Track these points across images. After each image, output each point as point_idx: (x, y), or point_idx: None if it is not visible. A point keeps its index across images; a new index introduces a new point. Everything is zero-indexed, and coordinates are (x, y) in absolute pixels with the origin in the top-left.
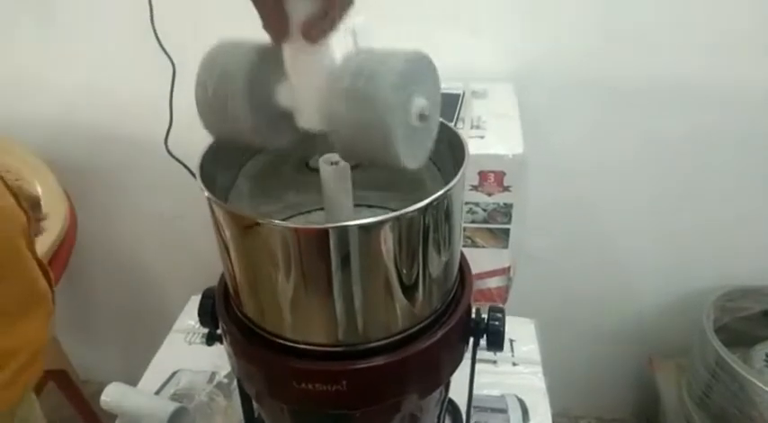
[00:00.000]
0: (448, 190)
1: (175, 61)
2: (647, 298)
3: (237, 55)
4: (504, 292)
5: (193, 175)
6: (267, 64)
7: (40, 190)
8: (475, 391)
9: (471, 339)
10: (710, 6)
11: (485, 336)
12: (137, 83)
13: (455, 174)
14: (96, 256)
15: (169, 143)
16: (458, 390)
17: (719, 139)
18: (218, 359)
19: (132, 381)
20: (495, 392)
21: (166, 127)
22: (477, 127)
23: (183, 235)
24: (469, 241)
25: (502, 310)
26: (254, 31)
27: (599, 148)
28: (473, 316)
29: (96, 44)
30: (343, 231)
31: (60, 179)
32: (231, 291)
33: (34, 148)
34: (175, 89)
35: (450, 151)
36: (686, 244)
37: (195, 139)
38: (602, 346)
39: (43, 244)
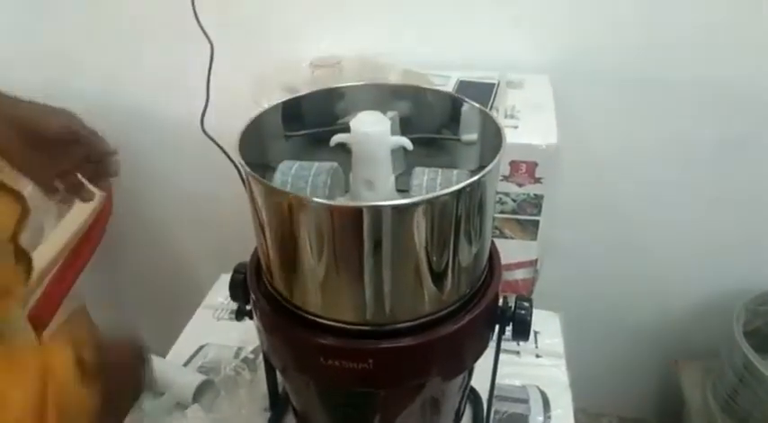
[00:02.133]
0: (483, 175)
1: (214, 41)
2: (676, 298)
3: None
4: (530, 285)
5: (227, 155)
6: None
7: None
8: (497, 381)
9: (497, 327)
10: (755, 9)
11: (510, 324)
12: (174, 62)
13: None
14: (130, 232)
15: (204, 123)
16: (480, 379)
17: (755, 141)
18: (244, 335)
19: (161, 354)
20: (517, 383)
21: (202, 107)
22: (512, 117)
23: (215, 215)
24: (498, 232)
25: (530, 300)
26: (285, 11)
27: (633, 146)
28: (500, 304)
29: (136, 23)
30: (377, 211)
31: None
32: (263, 266)
33: None
34: (212, 70)
35: (486, 139)
36: (718, 245)
37: (230, 119)
38: (627, 345)
39: (78, 217)
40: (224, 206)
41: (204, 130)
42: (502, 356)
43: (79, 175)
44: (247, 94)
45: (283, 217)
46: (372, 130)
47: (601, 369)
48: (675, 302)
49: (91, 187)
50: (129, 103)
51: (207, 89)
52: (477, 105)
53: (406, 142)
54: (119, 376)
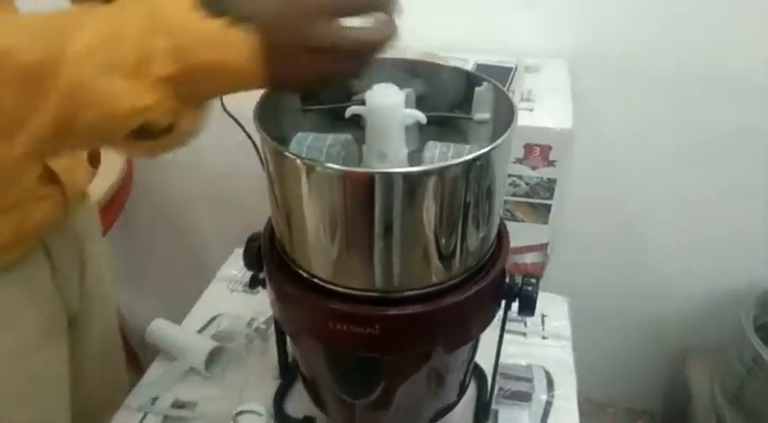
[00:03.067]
0: (493, 148)
1: None
2: (685, 291)
3: None
4: (540, 269)
5: (245, 130)
6: None
7: None
8: (502, 360)
9: (503, 303)
10: None
11: (517, 300)
12: None
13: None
14: (149, 205)
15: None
16: (485, 358)
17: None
18: (257, 306)
19: (176, 323)
20: (523, 363)
21: None
22: (528, 100)
23: (231, 192)
24: (510, 215)
25: (536, 278)
26: None
27: (647, 136)
28: (507, 280)
29: None
30: (388, 178)
31: None
32: (277, 234)
33: None
34: None
35: (500, 118)
36: (729, 238)
37: (250, 98)
38: (635, 335)
39: (100, 190)
40: (241, 183)
41: (224, 107)
42: (509, 337)
43: None
44: None
45: (296, 183)
46: (386, 101)
47: (608, 359)
48: (685, 294)
49: None
50: None
51: None
52: (491, 81)
53: (419, 115)
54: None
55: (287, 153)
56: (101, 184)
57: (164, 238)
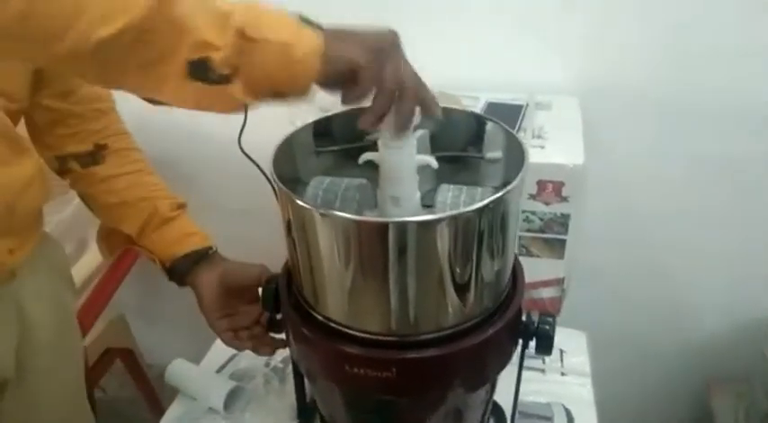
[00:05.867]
0: (505, 193)
1: None
2: (707, 320)
3: None
4: (557, 303)
5: (263, 171)
6: None
7: None
8: (521, 398)
9: (520, 341)
10: None
11: (534, 339)
12: None
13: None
14: None
15: (242, 142)
16: (504, 395)
17: None
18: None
19: (195, 362)
20: (542, 400)
21: (240, 126)
22: (539, 137)
23: (247, 229)
24: (525, 250)
25: (553, 316)
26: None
27: (660, 166)
28: (524, 319)
29: None
30: (402, 226)
31: None
32: (294, 278)
33: None
34: None
35: (512, 158)
36: (749, 269)
37: (267, 138)
38: (656, 369)
39: None
40: (257, 221)
41: (242, 148)
42: (527, 374)
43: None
44: (283, 115)
45: (313, 231)
46: (397, 149)
47: (629, 393)
48: (707, 325)
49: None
50: (171, 121)
51: (245, 108)
52: (501, 124)
53: (430, 161)
54: None
55: (301, 202)
56: None
57: None
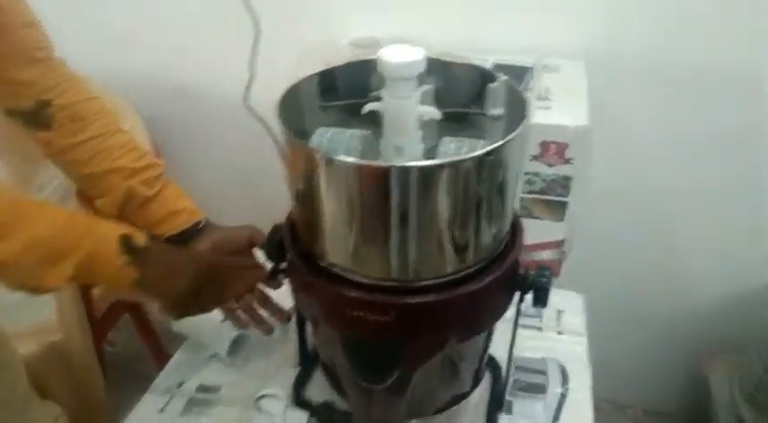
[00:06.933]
0: (506, 141)
1: (259, 23)
2: (705, 290)
3: None
4: (557, 265)
5: (266, 125)
6: None
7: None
8: (517, 354)
9: (517, 294)
10: None
11: (530, 291)
12: (220, 41)
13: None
14: None
15: (250, 99)
16: (501, 350)
17: None
18: (278, 295)
19: None
20: (538, 356)
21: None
22: (545, 98)
23: (253, 187)
24: (526, 211)
25: (550, 269)
26: None
27: (664, 133)
28: (521, 272)
29: (184, 5)
30: (404, 171)
31: (147, 127)
32: (297, 226)
33: (125, 99)
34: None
35: (515, 115)
36: (750, 238)
37: (273, 94)
38: (653, 336)
39: None
40: (263, 179)
41: (246, 104)
42: (524, 332)
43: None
44: (289, 71)
45: (315, 176)
46: (401, 99)
47: (627, 360)
48: (704, 293)
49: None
50: (178, 81)
51: (250, 67)
52: (504, 78)
53: (433, 112)
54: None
55: (307, 146)
56: None
57: None
